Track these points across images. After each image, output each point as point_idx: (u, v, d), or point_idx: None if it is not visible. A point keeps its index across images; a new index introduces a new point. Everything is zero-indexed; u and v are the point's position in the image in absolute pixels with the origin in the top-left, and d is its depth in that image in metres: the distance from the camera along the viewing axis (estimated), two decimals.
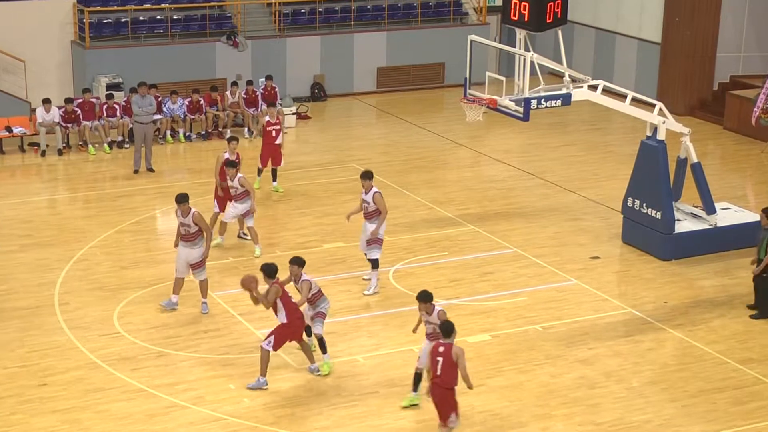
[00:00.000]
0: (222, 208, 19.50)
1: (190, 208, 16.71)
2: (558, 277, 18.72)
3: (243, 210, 18.94)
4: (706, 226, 19.90)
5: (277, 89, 27.39)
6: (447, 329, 13.03)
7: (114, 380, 14.99)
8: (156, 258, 19.28)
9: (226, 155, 19.66)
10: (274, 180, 22.29)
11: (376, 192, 17.45)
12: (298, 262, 15.13)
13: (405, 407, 14.38)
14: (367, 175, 17.55)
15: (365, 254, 17.82)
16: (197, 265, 16.91)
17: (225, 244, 19.56)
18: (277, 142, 22.01)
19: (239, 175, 18.85)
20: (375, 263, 17.71)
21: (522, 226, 21.13)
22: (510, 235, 20.56)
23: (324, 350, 15.26)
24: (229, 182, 18.93)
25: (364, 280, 18.15)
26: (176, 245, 17.02)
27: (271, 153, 22.01)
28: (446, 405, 12.99)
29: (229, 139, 20.20)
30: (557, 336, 16.37)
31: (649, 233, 19.65)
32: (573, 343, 16.30)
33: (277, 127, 21.97)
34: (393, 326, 16.84)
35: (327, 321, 15.61)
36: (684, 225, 19.84)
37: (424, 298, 14.06)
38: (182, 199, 16.71)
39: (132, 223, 20.93)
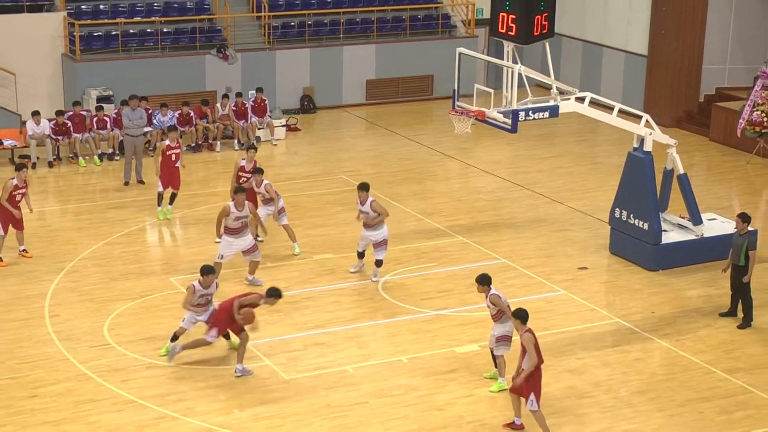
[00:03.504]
0: None
1: (246, 201, 17.93)
2: (546, 288, 18.74)
3: (272, 211, 19.65)
4: (692, 237, 19.92)
5: (266, 101, 27.42)
6: (522, 316, 13.84)
7: (104, 392, 14.93)
8: (146, 270, 19.23)
9: (243, 163, 20.05)
10: (170, 203, 21.71)
11: (372, 201, 18.31)
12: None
13: (487, 377, 15.38)
14: (363, 187, 18.41)
15: (359, 252, 18.83)
16: (252, 249, 18.06)
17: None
18: (177, 165, 21.53)
19: (265, 181, 19.41)
20: (379, 263, 18.60)
21: (510, 237, 21.15)
22: (498, 245, 20.58)
23: None
24: (256, 188, 19.50)
25: (350, 272, 18.89)
26: (220, 236, 18.14)
27: (172, 176, 21.54)
28: None
29: (248, 148, 20.40)
30: (545, 346, 16.19)
31: (637, 244, 19.68)
32: (561, 353, 16.30)
33: (177, 150, 21.48)
34: (382, 337, 16.83)
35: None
36: (671, 236, 19.87)
37: (479, 280, 14.85)
38: (243, 189, 17.98)
39: (122, 235, 20.89)
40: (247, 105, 27.00)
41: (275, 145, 27.13)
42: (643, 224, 19.51)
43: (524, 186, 24.30)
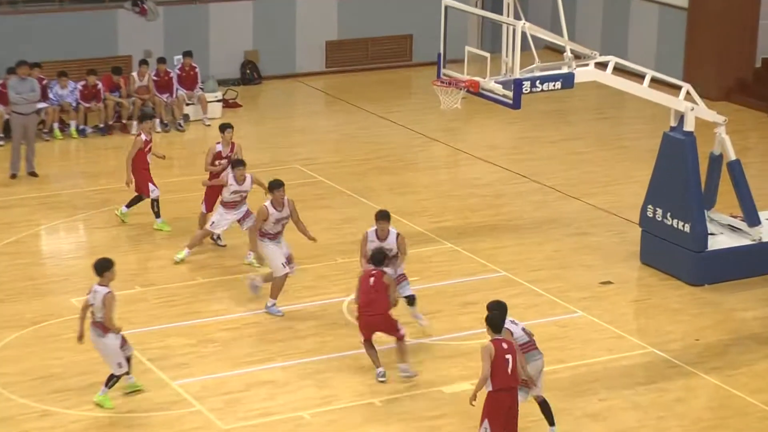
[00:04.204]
0: (209, 208, 19.99)
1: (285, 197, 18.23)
2: (559, 308, 18.70)
3: (240, 215, 19.62)
4: (747, 242, 19.95)
5: (197, 69, 27.30)
6: (493, 323, 13.90)
7: None
8: (40, 288, 19.08)
9: (219, 147, 20.05)
10: (129, 206, 21.45)
11: (398, 234, 17.43)
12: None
13: None
14: (384, 216, 17.35)
15: None
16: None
17: (130, 270, 19.29)
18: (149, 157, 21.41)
19: (248, 175, 19.35)
20: (412, 299, 17.72)
21: (513, 243, 21.13)
22: (498, 254, 20.54)
23: None
24: (237, 186, 19.27)
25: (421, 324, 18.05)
26: (256, 248, 18.22)
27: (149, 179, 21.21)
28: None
29: (222, 127, 20.38)
30: (560, 384, 16.31)
31: (675, 251, 19.67)
32: (580, 392, 16.26)
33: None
34: (348, 373, 16.68)
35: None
36: (719, 240, 19.89)
37: (490, 310, 14.29)
38: (281, 183, 18.02)
39: (8, 243, 20.72)
40: (171, 74, 26.89)
41: (208, 125, 27.02)
42: (683, 226, 19.48)
43: (530, 177, 24.30)
